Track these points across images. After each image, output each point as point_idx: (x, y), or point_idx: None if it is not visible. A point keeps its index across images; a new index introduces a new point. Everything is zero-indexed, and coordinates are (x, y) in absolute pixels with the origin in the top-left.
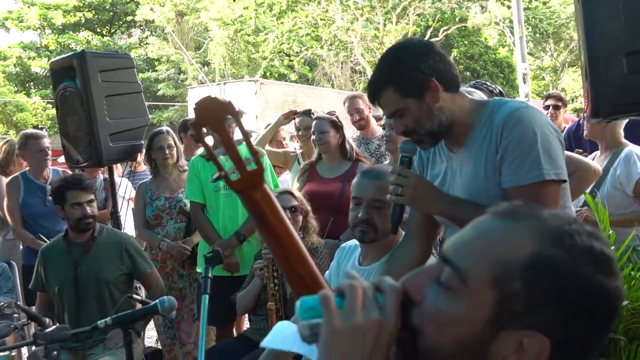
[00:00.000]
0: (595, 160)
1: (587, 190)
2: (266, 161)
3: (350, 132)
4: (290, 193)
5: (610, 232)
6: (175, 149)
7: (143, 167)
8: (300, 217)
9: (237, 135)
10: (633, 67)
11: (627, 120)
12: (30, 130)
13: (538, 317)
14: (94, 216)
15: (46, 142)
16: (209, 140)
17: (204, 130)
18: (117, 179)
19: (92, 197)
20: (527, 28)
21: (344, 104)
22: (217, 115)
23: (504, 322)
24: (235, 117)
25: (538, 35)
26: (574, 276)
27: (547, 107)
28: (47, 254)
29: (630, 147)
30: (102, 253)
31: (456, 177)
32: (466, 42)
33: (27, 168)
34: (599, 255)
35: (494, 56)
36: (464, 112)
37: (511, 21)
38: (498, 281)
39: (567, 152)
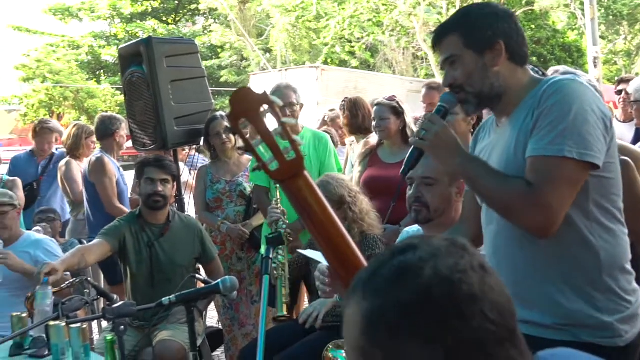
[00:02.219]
0: None
1: None
2: (330, 145)
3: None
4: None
5: None
6: (231, 132)
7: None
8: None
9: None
10: None
11: None
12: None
13: (409, 356)
14: (164, 196)
15: None
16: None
17: (241, 121)
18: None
19: (168, 178)
20: (600, 10)
21: (424, 88)
22: (252, 106)
23: None
24: (270, 107)
25: (611, 17)
26: (389, 308)
27: (619, 92)
28: (127, 229)
29: None
30: (177, 238)
31: (494, 150)
32: (533, 26)
33: (96, 151)
34: (393, 276)
35: (562, 40)
36: (520, 86)
37: (582, 3)
38: (364, 357)
39: (621, 142)
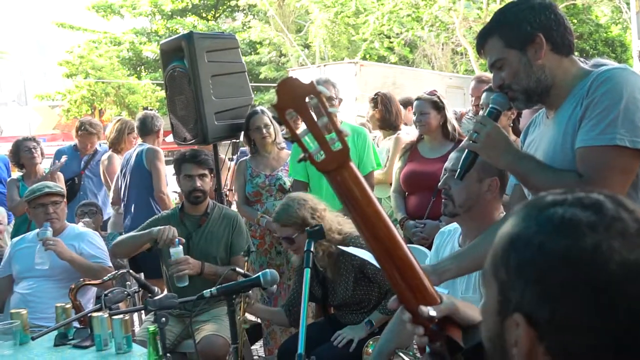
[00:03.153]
0: None
1: None
2: (369, 140)
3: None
4: (277, 221)
5: None
6: (272, 127)
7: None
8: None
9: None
10: None
11: None
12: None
13: (517, 297)
14: (203, 191)
15: None
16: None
17: (288, 111)
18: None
19: (206, 172)
20: None
21: (473, 81)
22: (299, 96)
23: (504, 311)
24: (317, 98)
25: None
26: (530, 247)
27: None
28: (164, 224)
29: None
30: (214, 229)
31: (542, 141)
32: (575, 21)
33: (138, 144)
34: (558, 220)
35: (605, 35)
36: (568, 77)
37: None
38: (494, 272)
39: None
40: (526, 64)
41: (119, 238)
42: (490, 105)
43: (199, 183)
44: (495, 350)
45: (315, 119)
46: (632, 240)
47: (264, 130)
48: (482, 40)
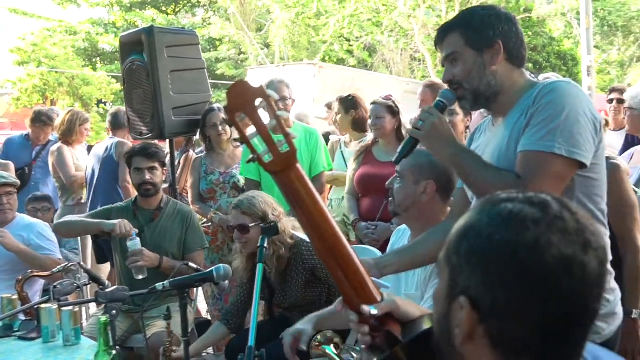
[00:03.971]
0: (636, 155)
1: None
2: (320, 141)
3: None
4: (237, 207)
5: None
6: (228, 125)
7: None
8: (259, 229)
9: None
10: None
11: None
12: None
13: (464, 282)
14: (153, 183)
15: None
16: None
17: (237, 114)
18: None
19: (155, 165)
20: (595, 20)
21: (423, 87)
22: (248, 99)
23: (452, 294)
24: (266, 101)
25: (606, 28)
26: (480, 237)
27: (610, 101)
28: (116, 216)
29: None
30: (167, 224)
31: (487, 147)
32: (530, 33)
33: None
34: (507, 215)
35: (558, 48)
36: (516, 87)
37: (578, 12)
38: (448, 257)
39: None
40: (480, 66)
41: (67, 218)
42: (437, 98)
43: (148, 176)
44: (442, 332)
45: (264, 121)
46: (570, 238)
47: (220, 128)
48: (444, 34)
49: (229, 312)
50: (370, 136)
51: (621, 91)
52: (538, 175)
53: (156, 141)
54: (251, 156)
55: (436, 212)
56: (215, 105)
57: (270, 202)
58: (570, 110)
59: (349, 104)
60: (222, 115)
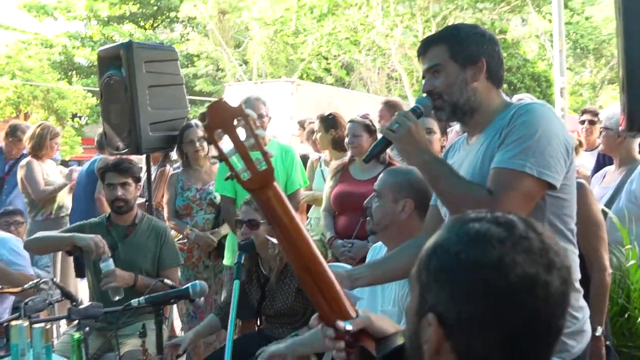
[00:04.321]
0: (609, 175)
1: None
2: (296, 159)
3: None
4: (249, 203)
5: (629, 246)
6: (205, 141)
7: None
8: (267, 227)
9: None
10: None
11: None
12: None
13: (432, 299)
14: (125, 200)
15: None
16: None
17: (217, 132)
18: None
19: (128, 180)
20: (568, 43)
21: (381, 104)
22: (227, 118)
23: (421, 311)
24: (244, 120)
25: (578, 50)
26: (448, 255)
27: (582, 122)
28: (89, 232)
29: None
30: (141, 240)
31: (462, 165)
32: (505, 54)
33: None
34: (474, 234)
35: (532, 69)
36: (493, 106)
37: (552, 35)
38: (418, 274)
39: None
40: (463, 80)
41: (39, 234)
42: (415, 104)
43: (120, 192)
44: (412, 348)
45: (242, 140)
46: (534, 257)
47: (197, 144)
48: (428, 45)
49: (222, 307)
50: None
51: (593, 112)
52: (508, 192)
53: (132, 156)
54: (229, 174)
55: (414, 230)
56: (193, 122)
57: None
58: (543, 132)
59: (330, 122)
60: (200, 131)
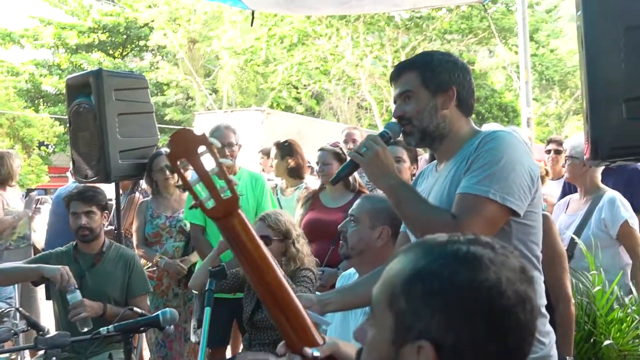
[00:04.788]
0: (573, 203)
1: (571, 234)
2: (266, 187)
3: None
4: (264, 220)
5: (595, 272)
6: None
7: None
8: (279, 245)
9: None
10: (632, 113)
11: (603, 167)
12: None
13: (422, 325)
14: (90, 228)
15: None
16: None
17: (180, 161)
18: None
19: (93, 209)
20: (534, 74)
21: (342, 132)
22: (191, 146)
23: (402, 339)
24: (208, 149)
25: (544, 81)
26: (437, 278)
27: (548, 152)
28: (55, 261)
29: (611, 192)
30: (108, 268)
31: (430, 192)
32: None
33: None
34: (463, 255)
35: (499, 100)
36: (461, 133)
37: (518, 66)
38: (391, 302)
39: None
40: (433, 107)
41: (2, 265)
42: (384, 129)
43: (84, 221)
44: None
45: (207, 168)
46: (519, 275)
47: (167, 172)
48: (401, 71)
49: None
50: (306, 183)
51: (558, 142)
52: (471, 217)
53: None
54: (194, 202)
55: (388, 257)
56: (163, 150)
57: (294, 223)
58: (508, 159)
59: (285, 150)
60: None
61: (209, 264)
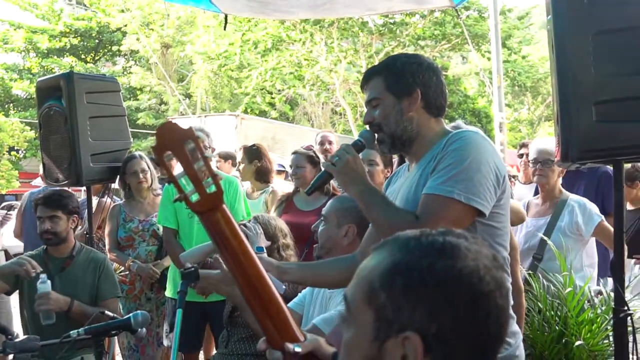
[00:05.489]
0: (534, 206)
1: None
2: (239, 190)
3: None
4: (256, 219)
5: (566, 273)
6: (149, 173)
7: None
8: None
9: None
10: (601, 116)
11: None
12: None
13: (405, 318)
14: (54, 232)
15: None
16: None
17: (166, 154)
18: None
19: (57, 213)
20: (506, 80)
21: (317, 135)
22: (177, 139)
23: (384, 334)
24: (194, 142)
25: (516, 87)
26: (417, 269)
27: (520, 156)
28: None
29: (577, 196)
30: (78, 272)
31: (400, 191)
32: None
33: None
34: (440, 246)
35: (472, 105)
36: (431, 134)
37: (491, 73)
38: (369, 299)
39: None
40: (398, 111)
41: None
42: (357, 138)
43: (47, 225)
44: None
45: (192, 162)
46: (492, 261)
47: (141, 175)
48: (368, 77)
49: None
50: (272, 187)
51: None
52: (435, 218)
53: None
54: (178, 195)
55: None
56: (137, 153)
57: (284, 231)
58: (474, 159)
59: (253, 153)
60: (144, 163)
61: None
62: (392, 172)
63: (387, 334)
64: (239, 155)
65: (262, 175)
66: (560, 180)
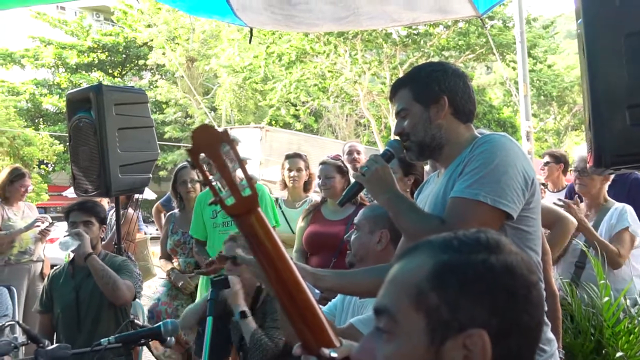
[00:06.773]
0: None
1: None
2: (268, 197)
3: None
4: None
5: (603, 282)
6: (198, 183)
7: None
8: None
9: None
10: (635, 120)
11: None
12: None
13: (465, 316)
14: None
15: None
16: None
17: (201, 156)
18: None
19: (91, 219)
20: (532, 90)
21: (344, 146)
22: (212, 142)
23: (441, 337)
24: (230, 145)
25: (542, 97)
26: (472, 266)
27: (546, 164)
28: (54, 279)
29: (621, 204)
30: None
31: (430, 197)
32: None
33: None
34: (486, 241)
35: (498, 115)
36: (460, 140)
37: (516, 82)
38: (418, 302)
39: (547, 204)
40: (426, 120)
41: None
42: (385, 147)
43: (82, 230)
44: None
45: (227, 164)
46: (528, 259)
47: (189, 185)
48: (395, 89)
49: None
50: (311, 198)
51: (552, 155)
52: (462, 222)
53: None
54: (213, 199)
55: (390, 261)
56: (187, 162)
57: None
58: (500, 162)
59: (300, 164)
60: (193, 172)
61: (199, 308)
62: (413, 180)
63: (444, 336)
64: (273, 169)
65: (305, 185)
66: (605, 188)
